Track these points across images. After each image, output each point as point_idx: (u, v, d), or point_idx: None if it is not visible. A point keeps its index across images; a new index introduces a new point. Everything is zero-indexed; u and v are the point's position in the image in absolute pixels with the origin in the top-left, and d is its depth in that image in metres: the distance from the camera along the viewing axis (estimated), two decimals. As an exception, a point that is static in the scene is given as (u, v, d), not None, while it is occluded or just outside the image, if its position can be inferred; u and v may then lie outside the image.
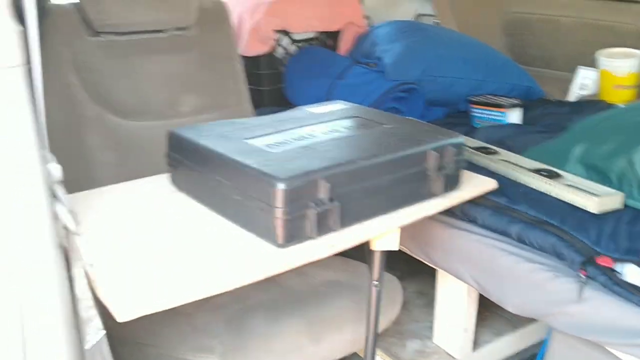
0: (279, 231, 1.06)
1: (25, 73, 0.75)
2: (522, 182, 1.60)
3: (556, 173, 1.57)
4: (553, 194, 1.51)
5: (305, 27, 2.55)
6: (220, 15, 1.86)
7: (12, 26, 0.72)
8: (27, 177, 0.69)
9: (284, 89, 2.46)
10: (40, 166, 0.72)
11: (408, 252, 1.78)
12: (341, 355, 1.50)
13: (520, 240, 1.48)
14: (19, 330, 0.74)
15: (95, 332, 0.89)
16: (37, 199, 0.71)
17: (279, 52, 2.51)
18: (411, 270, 2.28)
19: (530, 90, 2.45)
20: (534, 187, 1.57)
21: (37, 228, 0.71)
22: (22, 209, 0.69)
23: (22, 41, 0.77)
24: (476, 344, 1.90)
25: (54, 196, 0.78)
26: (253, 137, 1.27)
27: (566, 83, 2.56)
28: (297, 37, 2.55)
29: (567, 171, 1.59)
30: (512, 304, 1.48)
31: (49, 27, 1.59)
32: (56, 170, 0.76)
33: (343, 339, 1.44)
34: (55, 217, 0.79)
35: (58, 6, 1.63)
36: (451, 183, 1.32)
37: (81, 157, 1.60)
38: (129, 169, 1.64)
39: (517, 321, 2.02)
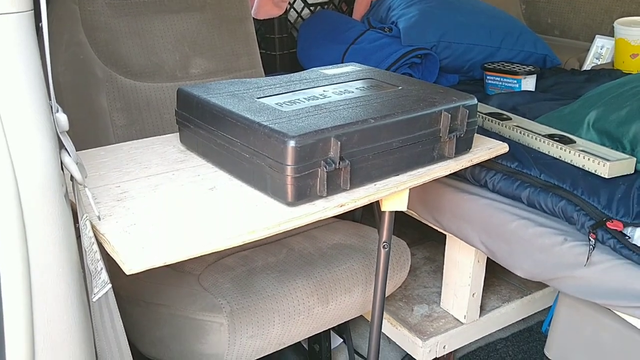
0: (289, 189, 1.06)
1: (32, 21, 0.74)
2: (534, 147, 1.58)
3: (569, 139, 1.55)
4: (565, 159, 1.50)
5: (320, -11, 2.51)
6: (232, -24, 1.84)
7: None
8: (34, 122, 0.68)
9: (297, 54, 2.44)
10: (47, 113, 0.71)
11: (417, 216, 1.77)
12: (349, 317, 1.51)
13: (531, 205, 1.47)
14: (25, 280, 0.74)
15: (102, 285, 0.89)
16: (45, 145, 0.70)
17: (292, 15, 2.48)
18: (420, 238, 2.29)
19: (546, 58, 2.42)
20: (546, 152, 1.55)
21: (44, 175, 0.71)
22: (29, 154, 0.69)
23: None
24: (483, 310, 1.90)
25: (61, 146, 0.78)
26: (264, 97, 1.26)
27: (583, 52, 2.52)
28: (311, 0, 2.52)
29: (580, 137, 1.57)
30: (520, 268, 1.48)
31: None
32: (63, 119, 0.76)
33: (351, 301, 1.45)
34: (62, 167, 0.79)
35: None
36: (463, 146, 1.32)
37: (91, 117, 1.60)
38: (139, 131, 1.65)
39: (525, 288, 2.02)
